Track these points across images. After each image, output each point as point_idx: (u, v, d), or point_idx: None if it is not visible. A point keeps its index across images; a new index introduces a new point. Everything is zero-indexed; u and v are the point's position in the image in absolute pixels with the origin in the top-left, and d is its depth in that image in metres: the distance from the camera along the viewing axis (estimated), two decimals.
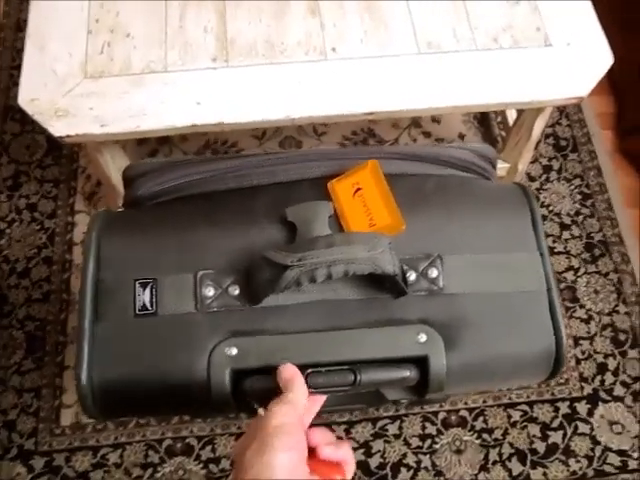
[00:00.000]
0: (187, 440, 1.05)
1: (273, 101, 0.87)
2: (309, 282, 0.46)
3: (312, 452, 0.43)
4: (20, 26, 1.40)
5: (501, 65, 0.91)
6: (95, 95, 0.87)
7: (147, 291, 0.51)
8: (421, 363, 0.50)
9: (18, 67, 1.31)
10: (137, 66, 0.89)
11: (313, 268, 0.46)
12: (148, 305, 0.50)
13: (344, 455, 0.44)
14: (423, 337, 0.50)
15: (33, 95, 0.87)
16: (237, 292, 0.51)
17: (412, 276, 0.52)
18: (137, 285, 0.51)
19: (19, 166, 1.26)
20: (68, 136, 0.85)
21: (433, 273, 0.52)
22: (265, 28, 0.93)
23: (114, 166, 1.01)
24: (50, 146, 1.28)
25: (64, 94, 0.87)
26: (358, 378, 0.48)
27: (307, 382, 0.48)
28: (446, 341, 0.51)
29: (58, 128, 0.85)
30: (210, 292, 0.51)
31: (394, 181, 0.56)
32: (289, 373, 0.45)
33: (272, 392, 0.48)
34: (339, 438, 0.46)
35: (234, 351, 0.49)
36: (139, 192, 0.59)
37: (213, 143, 1.26)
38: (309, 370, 0.48)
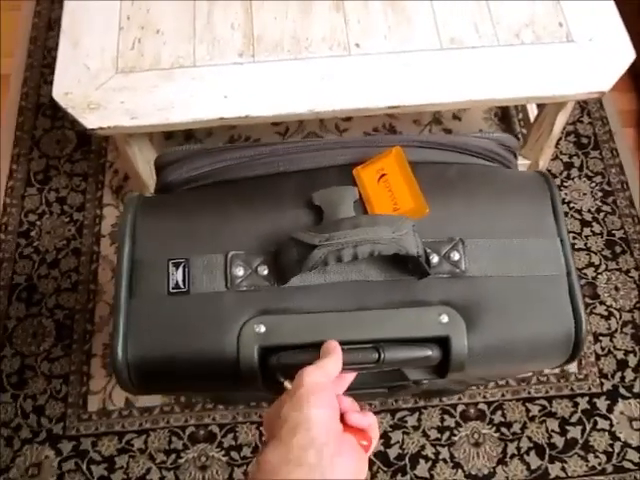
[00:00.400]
0: (210, 427, 1.07)
1: (297, 95, 0.89)
2: (336, 262, 0.48)
3: (340, 418, 0.45)
4: (51, 25, 1.44)
5: (523, 60, 0.92)
6: (126, 89, 0.90)
7: (180, 270, 0.53)
8: (443, 343, 0.52)
9: (49, 65, 1.36)
10: (166, 61, 0.92)
11: (340, 248, 0.47)
12: (181, 284, 0.52)
13: (370, 422, 0.45)
14: (445, 318, 0.52)
15: (67, 89, 0.90)
16: (266, 272, 0.53)
17: (435, 259, 0.53)
18: (170, 265, 0.53)
19: (49, 160, 1.30)
20: (100, 128, 0.88)
21: (455, 256, 0.53)
22: (290, 24, 0.95)
23: (142, 159, 1.04)
24: (79, 141, 1.32)
25: (96, 88, 0.90)
26: (382, 356, 0.50)
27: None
28: (467, 322, 0.52)
29: (90, 120, 0.88)
30: (240, 272, 0.53)
31: (418, 168, 0.57)
32: (331, 345, 0.48)
33: (299, 368, 0.50)
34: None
35: (262, 329, 0.51)
36: (170, 178, 0.61)
37: (237, 139, 1.29)
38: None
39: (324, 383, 0.43)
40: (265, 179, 0.59)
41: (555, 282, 0.54)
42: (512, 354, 0.54)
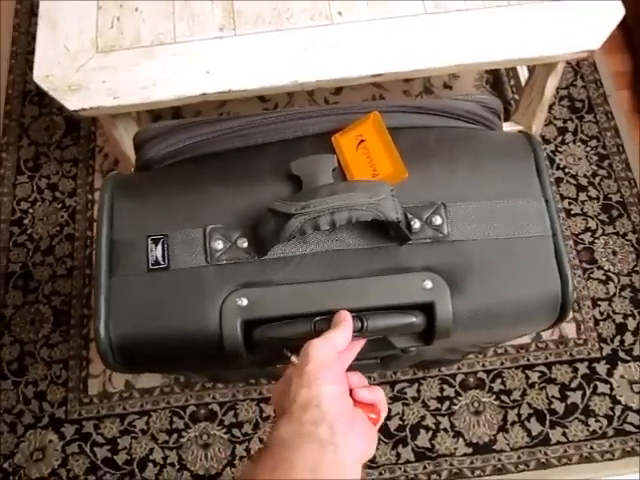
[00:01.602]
0: (210, 406, 1.08)
1: (280, 67, 0.88)
2: (313, 230, 0.47)
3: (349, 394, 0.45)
4: (34, 11, 1.42)
5: (510, 22, 0.90)
6: (107, 69, 0.89)
7: (159, 246, 0.52)
8: (427, 309, 0.51)
9: (34, 52, 1.34)
10: (146, 39, 0.91)
11: (316, 216, 0.47)
12: (160, 260, 0.52)
13: (378, 397, 0.46)
14: (429, 284, 0.51)
15: (47, 72, 0.89)
16: (245, 245, 0.52)
17: (416, 224, 0.52)
18: (149, 241, 0.53)
19: (39, 147, 1.29)
20: (82, 109, 0.87)
21: (437, 221, 0.52)
22: None
23: (129, 141, 1.03)
24: (68, 127, 1.31)
25: (77, 69, 0.89)
26: (365, 325, 0.49)
27: (315, 329, 0.49)
28: (452, 287, 0.51)
29: (72, 102, 0.87)
30: (219, 245, 0.52)
31: (398, 134, 0.56)
32: (342, 316, 0.47)
33: (284, 341, 0.50)
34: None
35: (244, 302, 0.51)
36: (149, 155, 0.60)
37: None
38: (316, 318, 0.50)
39: (332, 358, 0.43)
40: (243, 151, 0.58)
41: (541, 243, 0.53)
42: (498, 318, 0.53)
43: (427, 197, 0.53)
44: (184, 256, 0.52)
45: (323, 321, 0.49)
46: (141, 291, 0.52)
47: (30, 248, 1.20)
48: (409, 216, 0.52)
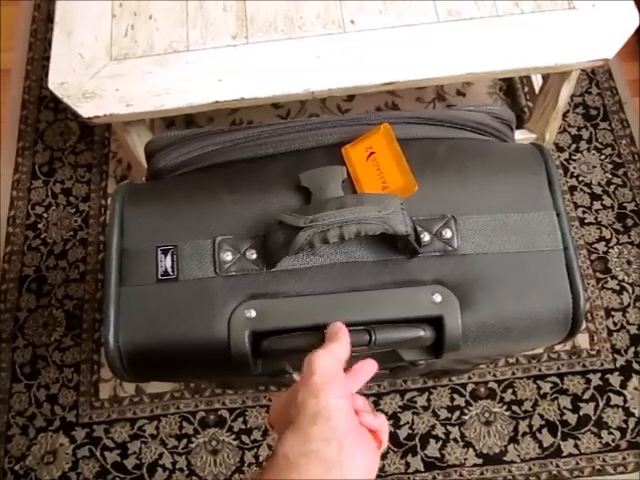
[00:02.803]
0: (220, 412, 1.08)
1: (293, 75, 0.88)
2: (322, 243, 0.47)
3: None
4: (51, 18, 1.43)
5: (523, 30, 0.89)
6: (120, 76, 0.89)
7: (168, 257, 0.53)
8: (436, 323, 0.51)
9: (49, 58, 1.36)
10: (160, 47, 0.91)
11: (325, 229, 0.47)
12: (169, 270, 0.52)
13: (381, 424, 0.44)
14: (438, 297, 0.51)
15: (62, 79, 0.90)
16: (254, 256, 0.52)
17: (426, 237, 0.52)
18: (159, 252, 0.53)
19: (53, 152, 1.30)
20: (96, 117, 0.88)
21: (447, 234, 0.52)
22: (284, 3, 0.93)
23: (142, 146, 1.04)
24: (82, 132, 1.32)
25: (91, 76, 0.90)
26: (373, 338, 0.49)
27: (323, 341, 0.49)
28: (461, 301, 0.51)
29: (86, 109, 0.88)
30: (228, 257, 0.52)
31: (408, 145, 0.56)
32: (336, 327, 0.46)
33: (291, 353, 0.50)
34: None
35: (253, 313, 0.51)
36: (160, 165, 0.61)
37: (239, 124, 1.28)
38: (325, 330, 0.49)
39: (336, 369, 0.42)
40: (253, 162, 0.58)
41: (552, 257, 0.53)
42: (508, 332, 0.52)
43: (437, 210, 0.53)
44: (193, 267, 0.52)
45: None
46: (150, 301, 0.52)
47: (44, 252, 1.21)
48: (419, 229, 0.52)
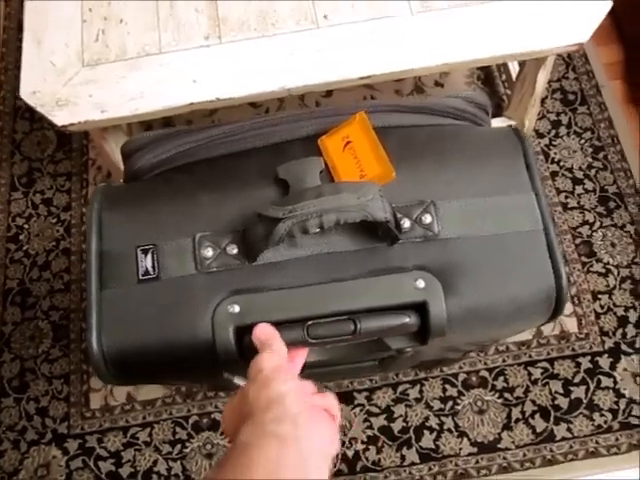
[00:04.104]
0: (212, 415, 1.07)
1: (267, 73, 0.87)
2: (302, 233, 0.47)
3: None
4: (22, 27, 1.42)
5: (495, 17, 0.90)
6: (93, 82, 0.88)
7: (149, 257, 0.52)
8: (421, 309, 0.51)
9: None
10: (132, 50, 0.90)
11: (304, 219, 0.46)
12: (150, 270, 0.52)
13: (330, 402, 0.45)
14: (421, 283, 0.51)
15: (34, 88, 0.89)
16: (235, 251, 0.52)
17: (406, 223, 0.52)
18: (139, 252, 0.52)
19: (32, 163, 1.29)
20: (71, 124, 0.87)
21: (427, 219, 0.52)
22: (255, 2, 0.93)
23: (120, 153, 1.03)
24: (60, 141, 1.31)
25: (64, 84, 0.89)
26: (358, 327, 0.49)
27: (308, 333, 0.49)
28: (445, 286, 0.51)
29: (60, 117, 0.87)
30: (209, 253, 0.52)
31: (385, 134, 0.56)
32: (265, 334, 0.47)
33: None
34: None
35: (236, 308, 0.50)
36: (137, 166, 0.60)
37: None
38: (309, 322, 0.49)
39: (281, 365, 0.43)
40: (230, 157, 0.58)
41: (532, 238, 0.53)
42: (493, 315, 0.53)
43: (416, 196, 0.53)
44: (174, 265, 0.52)
45: (316, 325, 0.49)
46: (133, 302, 0.52)
47: (27, 264, 1.20)
48: (398, 216, 0.52)
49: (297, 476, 0.37)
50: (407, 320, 0.50)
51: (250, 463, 0.36)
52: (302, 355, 0.50)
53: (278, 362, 0.43)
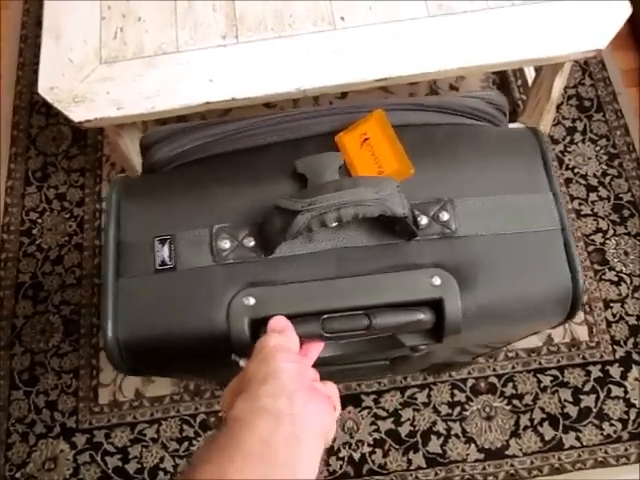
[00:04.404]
0: (220, 414, 1.07)
1: (284, 74, 0.88)
2: (320, 226, 0.47)
3: None
4: (41, 22, 1.43)
5: (513, 22, 0.90)
6: (110, 79, 0.89)
7: (166, 247, 0.52)
8: (436, 306, 0.51)
9: None
10: (150, 48, 0.91)
11: (323, 212, 0.46)
12: (167, 260, 0.52)
13: (331, 390, 0.45)
14: (437, 280, 0.50)
15: (52, 83, 0.90)
16: (252, 244, 0.52)
17: (423, 220, 0.52)
18: (156, 242, 0.52)
19: (46, 158, 1.30)
20: (87, 120, 0.88)
21: (444, 216, 0.52)
22: (273, 2, 0.93)
23: (134, 150, 1.04)
24: (75, 137, 1.32)
25: (81, 80, 0.90)
26: (372, 322, 0.49)
27: (322, 327, 0.49)
28: (460, 283, 0.51)
29: (77, 113, 0.88)
30: (226, 245, 0.52)
31: (403, 132, 0.56)
32: (280, 325, 0.46)
33: None
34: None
35: (252, 301, 0.50)
36: (155, 158, 0.61)
37: None
38: (325, 316, 0.49)
39: (286, 344, 0.43)
40: (248, 152, 0.58)
41: (549, 237, 0.53)
42: (508, 313, 0.52)
43: (434, 193, 0.53)
44: (191, 256, 0.52)
45: (331, 319, 0.49)
46: (149, 292, 0.52)
47: (39, 258, 1.21)
48: (416, 212, 0.52)
49: (289, 455, 0.36)
50: (422, 317, 0.50)
51: (241, 437, 0.36)
52: (316, 349, 0.50)
53: (281, 341, 0.43)
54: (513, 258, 0.52)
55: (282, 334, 0.45)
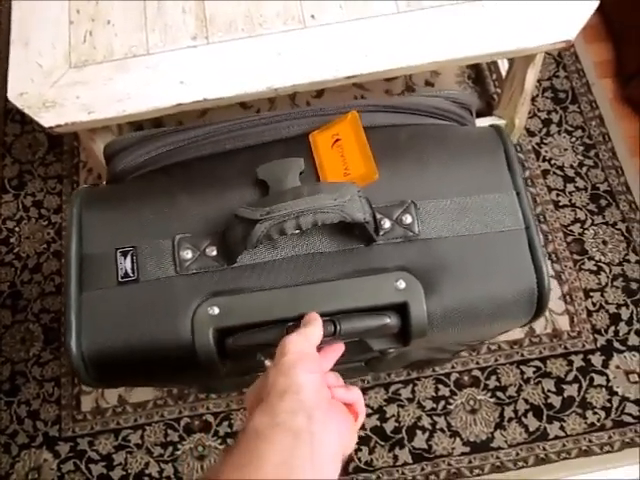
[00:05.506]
0: (204, 417, 1.07)
1: (255, 73, 0.87)
2: (279, 235, 0.47)
3: None
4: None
5: (484, 15, 0.89)
6: (81, 84, 0.88)
7: (128, 259, 0.52)
8: (402, 310, 0.50)
9: None
10: (119, 51, 0.90)
11: (282, 220, 0.46)
12: (130, 272, 0.51)
13: (355, 397, 0.45)
14: (402, 284, 0.50)
15: (21, 89, 0.89)
16: (214, 253, 0.52)
17: (386, 224, 0.52)
18: (118, 254, 0.52)
19: (22, 165, 1.29)
20: (58, 126, 0.86)
21: (407, 219, 0.52)
22: (243, 2, 0.92)
23: None
24: (51, 144, 1.30)
25: (51, 85, 0.88)
26: (338, 328, 0.49)
27: (287, 335, 0.49)
28: (425, 286, 0.51)
29: (48, 119, 0.86)
30: (188, 255, 0.51)
31: (371, 133, 0.56)
32: (312, 316, 0.47)
33: (257, 348, 0.49)
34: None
35: (216, 310, 0.50)
36: (119, 167, 0.60)
37: None
38: (289, 324, 0.49)
39: (308, 352, 0.42)
40: (211, 159, 0.58)
41: (514, 237, 0.53)
42: (474, 315, 0.52)
43: (397, 196, 0.53)
44: (153, 267, 0.52)
45: (295, 327, 0.49)
46: (112, 305, 0.51)
47: (17, 267, 1.20)
48: (379, 216, 0.51)
49: (307, 475, 0.35)
50: (387, 321, 0.49)
51: (260, 460, 0.35)
52: (336, 350, 0.49)
53: (304, 348, 0.42)
54: (478, 259, 0.52)
55: (305, 331, 0.44)
